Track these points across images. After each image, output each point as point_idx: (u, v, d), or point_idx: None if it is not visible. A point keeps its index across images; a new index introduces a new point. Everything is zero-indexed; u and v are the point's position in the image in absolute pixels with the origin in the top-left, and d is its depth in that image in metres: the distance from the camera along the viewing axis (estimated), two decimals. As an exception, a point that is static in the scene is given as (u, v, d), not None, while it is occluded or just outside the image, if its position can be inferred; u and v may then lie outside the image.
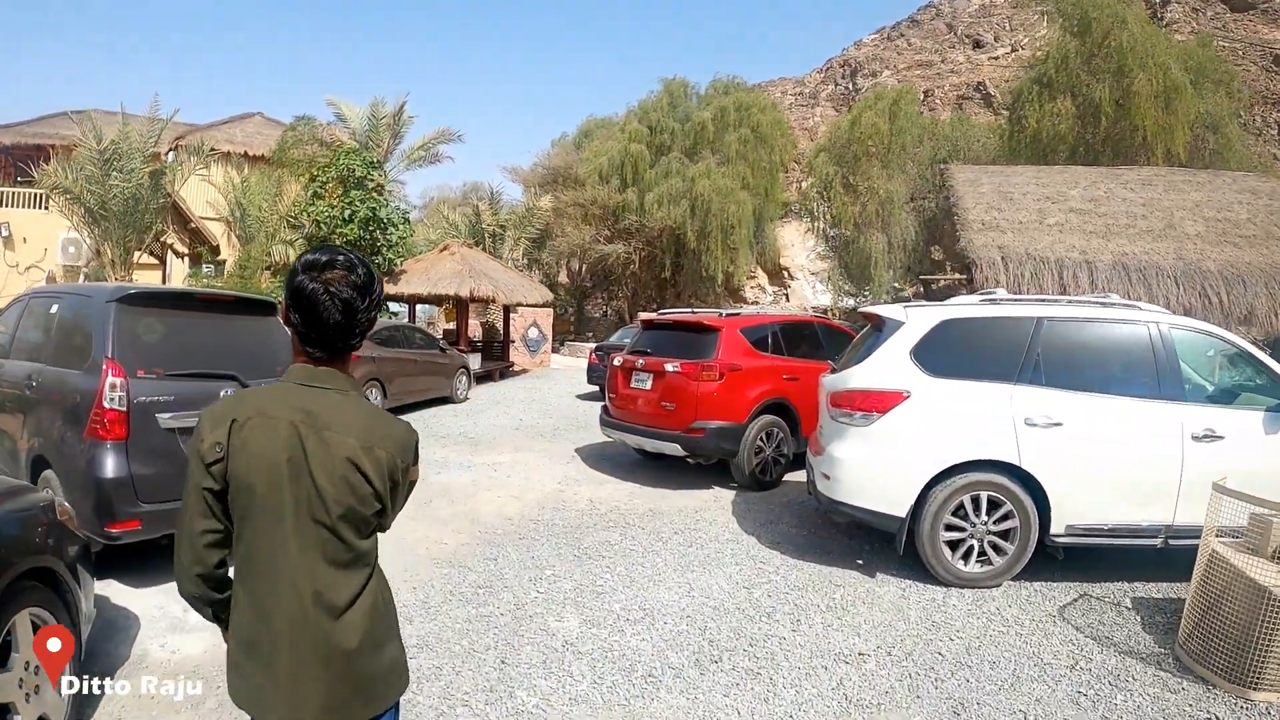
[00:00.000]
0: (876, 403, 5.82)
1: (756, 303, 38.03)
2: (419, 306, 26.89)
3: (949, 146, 28.48)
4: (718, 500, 8.28)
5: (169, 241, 18.24)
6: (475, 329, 27.45)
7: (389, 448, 1.92)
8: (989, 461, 5.61)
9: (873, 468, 5.79)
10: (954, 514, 5.64)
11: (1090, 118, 24.73)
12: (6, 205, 20.03)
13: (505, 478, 9.15)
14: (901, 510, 5.67)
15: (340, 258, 1.89)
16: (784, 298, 39.50)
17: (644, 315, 16.94)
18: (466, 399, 16.00)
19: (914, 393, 5.74)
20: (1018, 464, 5.55)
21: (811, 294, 38.23)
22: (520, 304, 19.90)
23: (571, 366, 24.45)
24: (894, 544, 5.85)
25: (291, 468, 1.83)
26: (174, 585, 2.04)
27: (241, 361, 6.10)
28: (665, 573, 5.95)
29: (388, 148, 20.91)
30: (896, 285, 29.75)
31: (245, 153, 22.24)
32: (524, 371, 22.52)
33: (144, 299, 5.90)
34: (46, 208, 18.00)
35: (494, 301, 18.52)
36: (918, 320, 6.04)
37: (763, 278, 39.59)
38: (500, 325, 22.84)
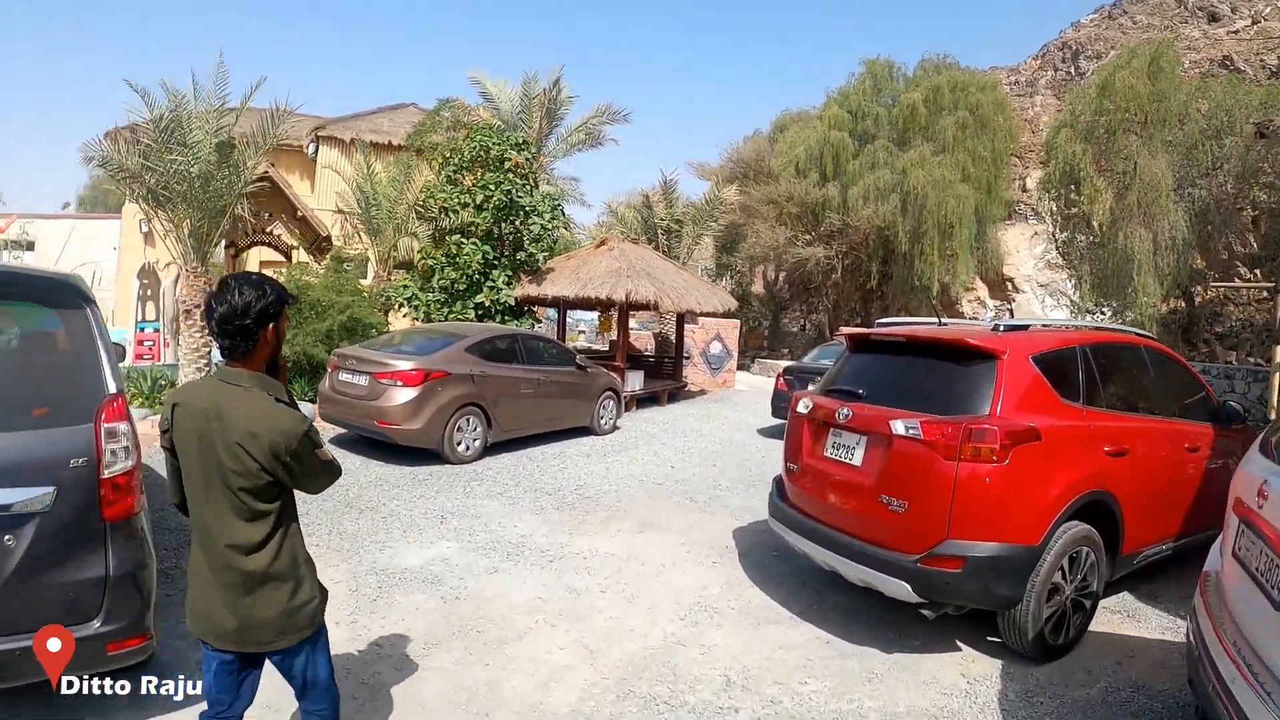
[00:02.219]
0: None
1: (975, 318, 32.62)
2: (579, 314, 23.89)
3: (1223, 116, 22.11)
4: (972, 693, 4.22)
5: (275, 231, 15.93)
6: (648, 342, 24.04)
7: (271, 434, 2.39)
8: None
9: None
10: None
11: None
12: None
13: (597, 593, 5.43)
14: None
15: (229, 285, 2.44)
16: (1007, 313, 33.57)
17: (848, 330, 12.87)
18: (614, 429, 12.45)
19: None
20: None
21: (1040, 309, 32.34)
22: (693, 311, 16.14)
23: (759, 388, 20.53)
24: None
25: (203, 443, 2.41)
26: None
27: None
28: None
29: (541, 129, 17.83)
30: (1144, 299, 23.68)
31: (390, 143, 20.02)
32: (701, 393, 18.78)
33: None
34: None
35: (657, 307, 14.85)
36: None
37: (982, 289, 33.81)
38: (674, 337, 19.16)
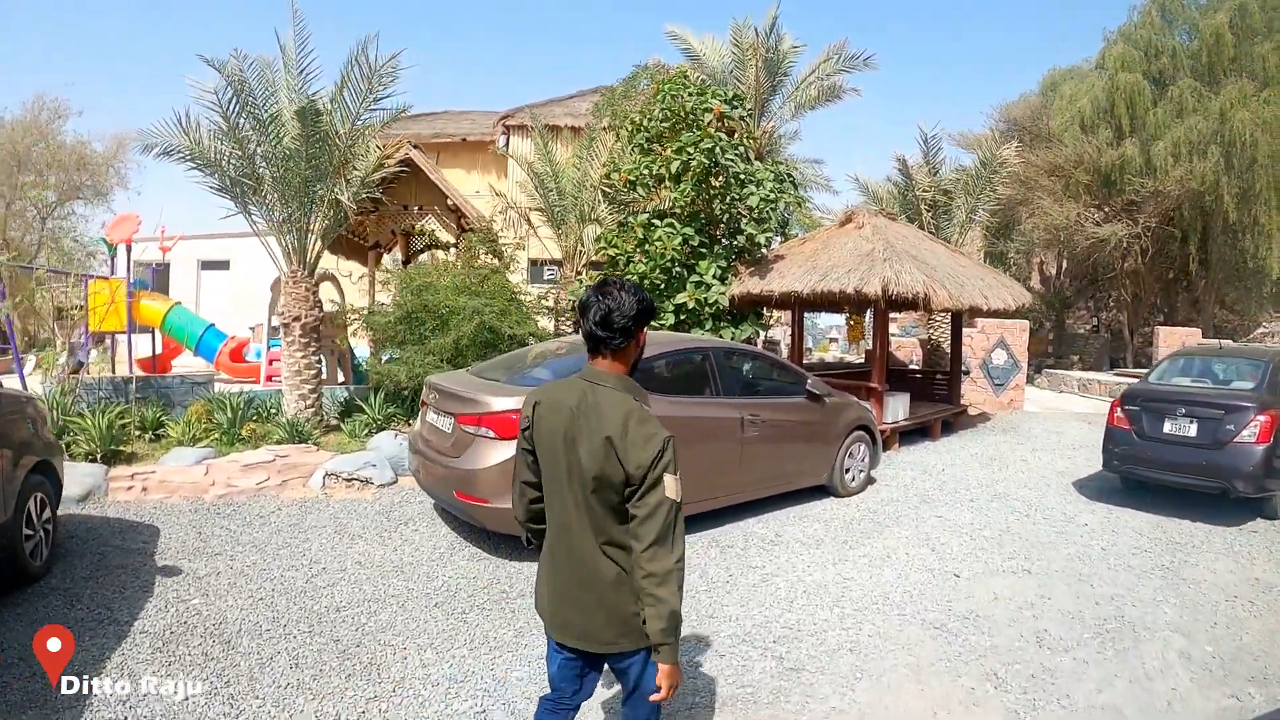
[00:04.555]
0: None
1: None
2: (828, 318, 19.77)
3: None
4: None
5: (428, 227, 12.98)
6: (913, 351, 19.35)
7: (630, 434, 2.27)
8: None
9: None
10: None
11: None
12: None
13: None
14: None
15: (613, 283, 2.45)
16: None
17: None
18: (865, 485, 8.42)
19: None
20: None
21: None
22: (977, 308, 11.54)
23: (1055, 409, 15.55)
24: None
25: (566, 441, 2.38)
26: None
27: None
28: None
29: (759, 85, 13.87)
30: None
31: (587, 125, 16.86)
32: (983, 417, 14.08)
33: None
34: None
35: (927, 304, 10.41)
36: None
37: None
38: (949, 346, 14.52)
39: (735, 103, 11.74)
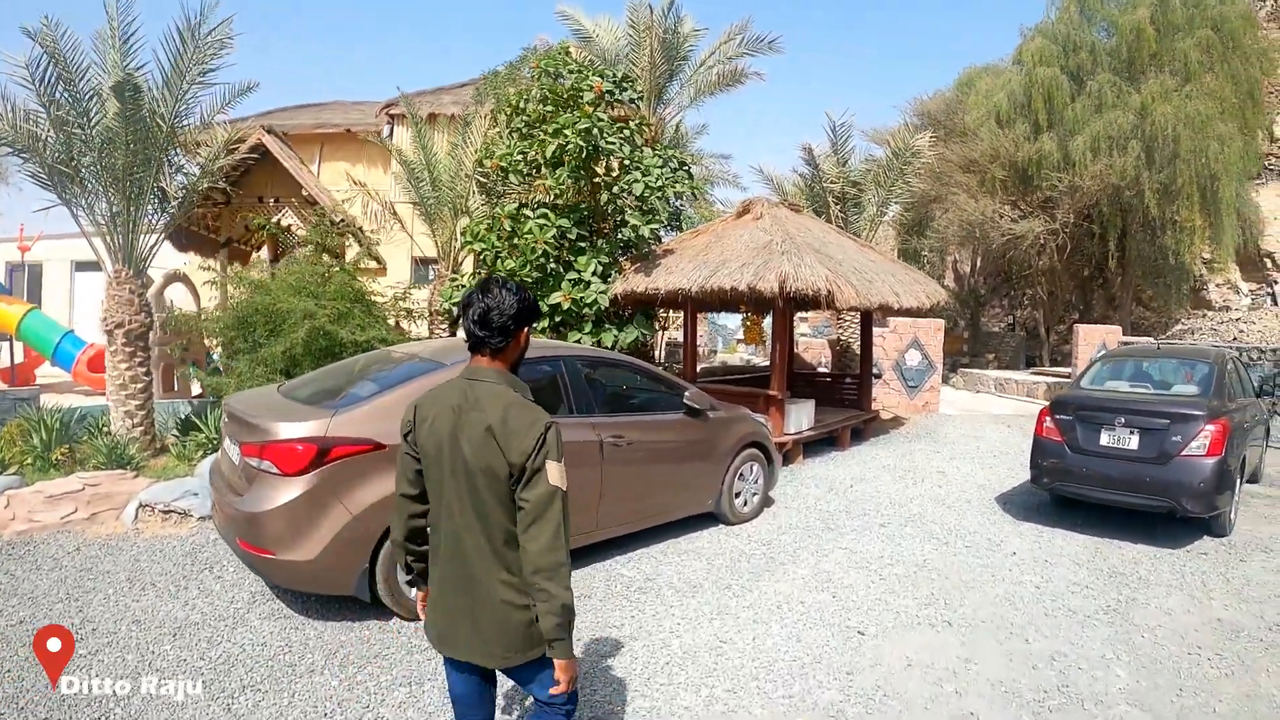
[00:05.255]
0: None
1: (1226, 308, 25.08)
2: (724, 317, 18.91)
3: None
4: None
5: (284, 222, 11.49)
6: (822, 353, 18.46)
7: (511, 424, 2.22)
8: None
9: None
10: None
11: None
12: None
13: None
14: None
15: (495, 282, 2.38)
16: (1268, 299, 25.50)
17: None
18: (760, 510, 7.35)
19: None
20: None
21: (1306, 295, 24.60)
22: (887, 306, 10.58)
23: (973, 411, 14.82)
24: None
25: (451, 440, 2.30)
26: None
27: None
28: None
29: (655, 66, 12.75)
30: None
31: (466, 110, 15.54)
32: (895, 422, 13.22)
33: None
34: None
35: (831, 302, 9.36)
36: None
37: (1233, 270, 25.80)
38: (858, 347, 13.59)
39: (624, 84, 10.59)
